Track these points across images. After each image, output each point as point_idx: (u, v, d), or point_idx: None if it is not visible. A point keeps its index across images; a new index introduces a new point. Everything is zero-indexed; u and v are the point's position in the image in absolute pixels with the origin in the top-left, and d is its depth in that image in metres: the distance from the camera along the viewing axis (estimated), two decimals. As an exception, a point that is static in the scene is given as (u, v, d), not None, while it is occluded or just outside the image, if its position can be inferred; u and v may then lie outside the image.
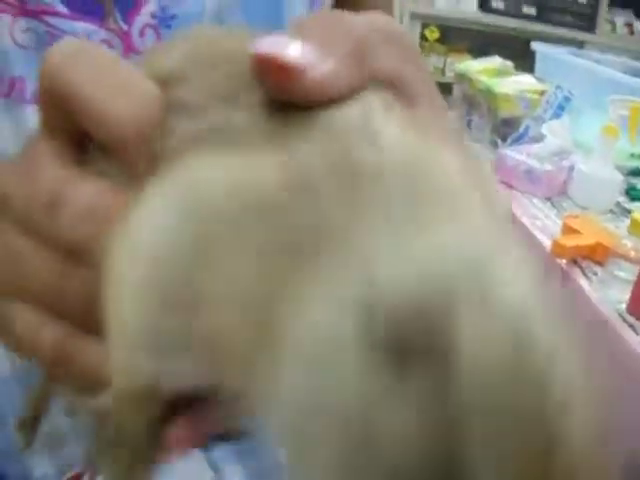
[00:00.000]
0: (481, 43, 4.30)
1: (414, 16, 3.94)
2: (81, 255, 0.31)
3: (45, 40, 0.56)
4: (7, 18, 0.55)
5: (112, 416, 0.33)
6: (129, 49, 0.59)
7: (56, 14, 0.55)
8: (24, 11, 0.55)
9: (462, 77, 2.28)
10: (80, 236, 0.31)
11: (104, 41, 0.58)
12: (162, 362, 0.31)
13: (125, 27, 0.59)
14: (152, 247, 0.29)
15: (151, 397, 0.33)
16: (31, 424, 0.46)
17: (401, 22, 3.92)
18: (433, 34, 4.09)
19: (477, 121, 2.13)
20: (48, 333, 0.33)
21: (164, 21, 0.60)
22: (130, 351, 0.31)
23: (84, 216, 0.31)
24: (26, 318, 0.34)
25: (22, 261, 0.33)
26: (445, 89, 2.90)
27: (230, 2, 0.62)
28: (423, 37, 4.08)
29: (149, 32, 0.60)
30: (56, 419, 0.67)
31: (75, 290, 0.32)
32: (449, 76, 3.65)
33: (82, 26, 0.57)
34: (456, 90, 2.34)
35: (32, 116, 0.58)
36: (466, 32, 4.22)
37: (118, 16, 0.58)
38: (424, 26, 4.06)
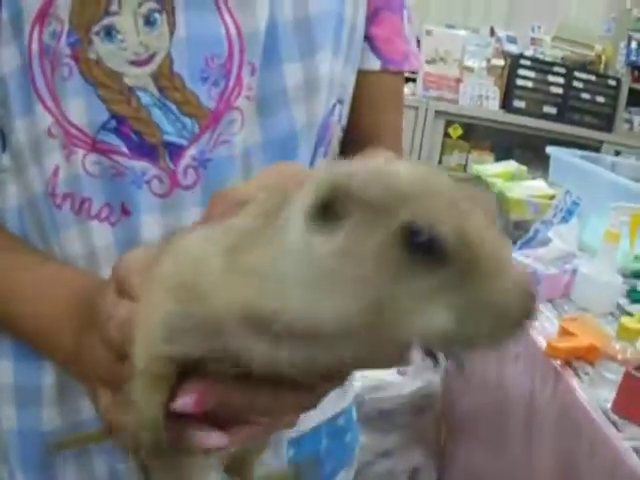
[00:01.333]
0: (503, 141, 4.44)
1: (438, 114, 4.08)
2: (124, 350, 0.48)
3: (109, 172, 0.71)
4: (81, 152, 0.70)
5: (133, 402, 0.47)
6: (174, 184, 0.73)
7: (120, 153, 0.70)
8: (95, 148, 0.70)
9: (478, 180, 2.40)
10: (119, 337, 0.49)
11: (155, 176, 0.72)
12: (175, 345, 0.45)
13: (172, 167, 0.72)
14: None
15: (164, 377, 0.46)
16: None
17: (425, 119, 4.06)
18: (456, 132, 4.22)
19: (490, 222, 2.24)
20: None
21: (202, 163, 0.74)
22: (152, 339, 0.46)
23: (121, 324, 0.49)
24: (104, 395, 0.53)
25: (99, 358, 0.52)
26: (466, 187, 3.00)
27: (254, 148, 0.75)
28: (447, 134, 4.23)
29: (190, 171, 0.73)
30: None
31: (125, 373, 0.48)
32: (471, 174, 3.76)
33: (139, 164, 0.71)
34: (472, 192, 2.46)
35: (95, 229, 0.72)
36: (488, 130, 4.36)
37: (167, 158, 0.72)
38: (448, 124, 4.20)
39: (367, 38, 0.89)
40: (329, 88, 0.80)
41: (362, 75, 0.89)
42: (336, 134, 0.87)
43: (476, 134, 4.42)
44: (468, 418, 1.98)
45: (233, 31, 0.71)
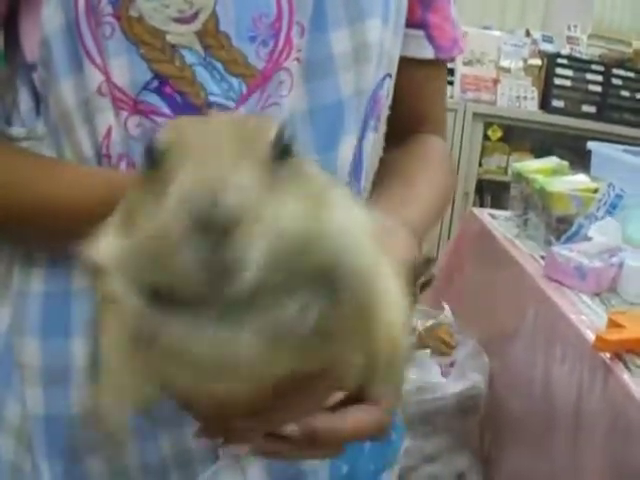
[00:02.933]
0: (543, 142, 4.36)
1: (477, 116, 4.03)
2: None
3: (150, 134, 0.67)
4: (124, 114, 0.68)
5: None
6: None
7: (162, 114, 0.67)
8: (136, 110, 0.67)
9: (519, 177, 2.36)
10: None
11: None
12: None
13: None
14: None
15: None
16: None
17: (464, 122, 4.02)
18: (495, 133, 4.17)
19: (533, 219, 2.20)
20: None
21: None
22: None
23: None
24: None
25: None
26: (507, 188, 2.97)
27: (300, 115, 0.72)
28: (486, 137, 4.17)
29: None
30: None
31: None
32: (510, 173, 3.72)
33: None
34: (513, 190, 2.42)
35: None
36: (528, 131, 4.30)
37: None
38: (487, 126, 4.14)
39: (422, 25, 0.87)
40: (378, 58, 0.77)
41: (414, 63, 0.88)
42: (385, 111, 0.84)
43: (515, 135, 4.36)
44: (514, 421, 1.93)
45: None
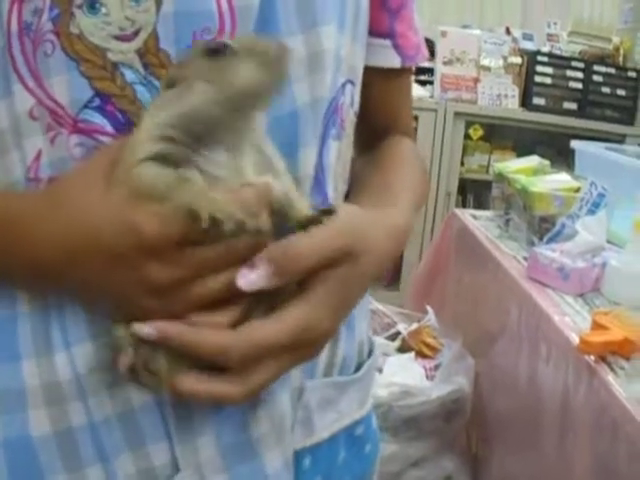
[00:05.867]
0: (524, 140, 4.37)
1: (458, 115, 4.02)
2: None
3: (93, 152, 0.67)
4: (66, 132, 0.65)
5: None
6: None
7: (105, 133, 0.66)
8: (77, 129, 0.65)
9: (500, 177, 2.35)
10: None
11: None
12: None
13: None
14: None
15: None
16: None
17: (445, 121, 4.01)
18: (477, 132, 4.16)
19: (515, 220, 2.20)
20: None
21: None
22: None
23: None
24: None
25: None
26: (489, 187, 2.97)
27: None
28: (467, 136, 4.16)
29: None
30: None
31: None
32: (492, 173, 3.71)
33: None
34: (495, 190, 2.41)
35: None
36: (509, 129, 4.30)
37: None
38: (468, 125, 4.12)
39: (389, 35, 0.88)
40: (335, 65, 0.76)
41: (382, 72, 0.88)
42: (349, 118, 0.82)
43: (497, 134, 4.36)
44: (500, 422, 1.92)
45: (224, 4, 0.67)
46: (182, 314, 0.60)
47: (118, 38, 0.65)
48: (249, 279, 0.59)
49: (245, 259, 0.60)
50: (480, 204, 4.06)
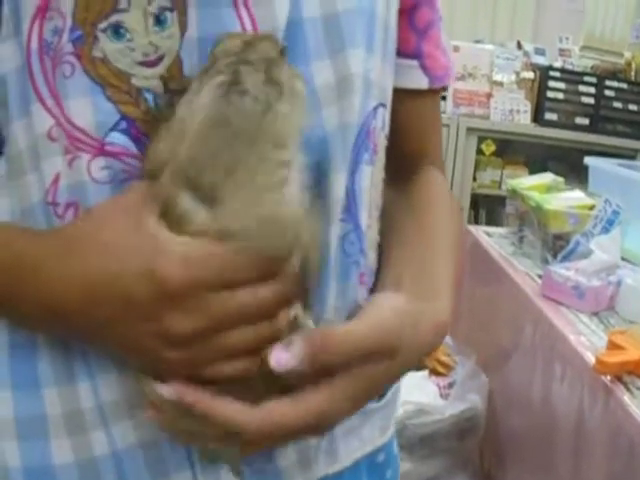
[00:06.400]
0: (537, 155, 4.39)
1: (470, 131, 4.03)
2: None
3: (120, 176, 0.65)
4: (86, 157, 0.64)
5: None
6: None
7: (132, 155, 0.64)
8: (104, 152, 0.64)
9: (514, 193, 2.34)
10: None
11: None
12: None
13: None
14: None
15: None
16: None
17: (457, 137, 4.01)
18: (489, 148, 4.16)
19: (529, 237, 2.19)
20: None
21: None
22: None
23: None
24: None
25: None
26: (501, 202, 2.96)
27: None
28: (479, 151, 4.17)
29: None
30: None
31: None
32: (505, 189, 3.70)
33: None
34: (508, 206, 2.41)
35: None
36: (521, 145, 4.31)
37: None
38: (480, 140, 4.14)
39: (417, 55, 0.86)
40: (365, 89, 0.74)
41: (409, 94, 0.86)
42: (381, 142, 0.81)
43: (509, 149, 4.36)
44: (513, 441, 1.91)
45: (249, 29, 0.65)
46: (207, 366, 0.58)
47: (142, 64, 0.64)
48: (281, 358, 0.56)
49: (272, 312, 0.59)
50: (492, 219, 4.05)
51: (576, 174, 3.35)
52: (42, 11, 0.63)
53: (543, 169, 3.87)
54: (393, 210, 0.85)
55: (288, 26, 0.67)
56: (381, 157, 0.81)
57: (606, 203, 2.02)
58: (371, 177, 0.78)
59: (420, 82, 0.87)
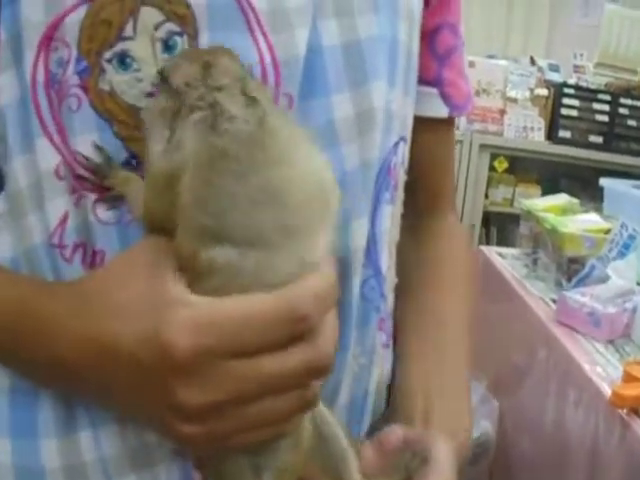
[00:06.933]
0: (549, 173, 4.35)
1: (483, 147, 4.00)
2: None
3: (127, 217, 0.60)
4: (92, 196, 0.60)
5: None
6: None
7: None
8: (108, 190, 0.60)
9: (528, 214, 2.32)
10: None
11: None
12: None
13: None
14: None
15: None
16: None
17: (470, 154, 3.98)
18: (502, 165, 4.13)
19: (543, 259, 2.17)
20: None
21: None
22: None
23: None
24: None
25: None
26: (513, 220, 2.93)
27: None
28: (492, 168, 4.13)
29: None
30: None
31: None
32: (517, 207, 3.67)
33: None
34: (523, 227, 2.38)
35: None
36: (534, 162, 4.28)
37: None
38: (493, 157, 4.10)
39: (437, 82, 0.82)
40: (386, 124, 0.70)
41: (425, 123, 0.82)
42: (402, 178, 0.78)
43: (521, 166, 4.33)
44: (524, 465, 1.89)
45: (267, 57, 0.61)
46: (228, 438, 0.54)
47: (151, 95, 0.60)
48: None
49: (303, 382, 0.54)
50: (503, 238, 4.03)
51: (589, 193, 3.32)
52: (47, 41, 0.59)
53: (555, 187, 3.86)
54: (411, 272, 0.83)
55: (307, 56, 0.63)
56: (400, 193, 0.78)
57: (622, 227, 1.99)
58: (391, 217, 0.75)
59: (439, 111, 0.83)
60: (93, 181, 0.61)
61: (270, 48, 0.62)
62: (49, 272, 0.62)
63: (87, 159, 0.60)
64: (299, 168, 0.53)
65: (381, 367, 0.78)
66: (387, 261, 0.75)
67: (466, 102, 0.86)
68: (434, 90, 0.83)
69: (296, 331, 0.51)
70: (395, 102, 0.72)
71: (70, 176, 0.61)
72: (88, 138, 0.60)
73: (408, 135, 0.78)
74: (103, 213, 0.61)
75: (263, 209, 0.50)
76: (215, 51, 0.56)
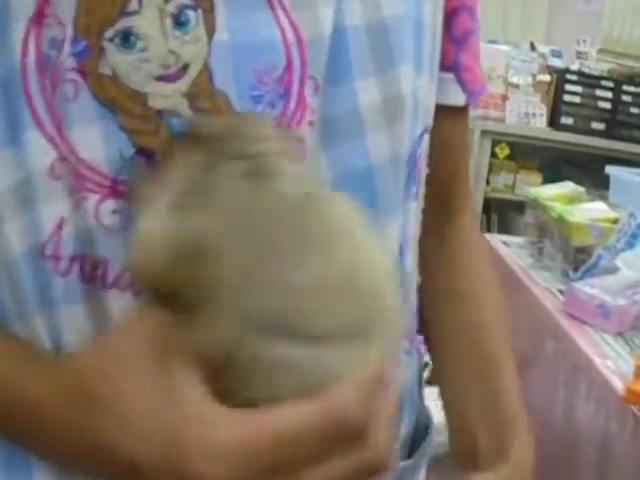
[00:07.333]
0: (551, 159, 4.33)
1: (485, 134, 3.96)
2: None
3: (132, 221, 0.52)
4: (93, 198, 0.52)
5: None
6: None
7: None
8: (116, 192, 0.53)
9: (534, 203, 2.29)
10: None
11: None
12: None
13: None
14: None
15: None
16: None
17: (472, 140, 3.95)
18: (503, 151, 4.10)
19: (549, 249, 2.14)
20: None
21: None
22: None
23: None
24: None
25: None
26: (514, 207, 2.91)
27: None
28: (493, 154, 4.10)
29: None
30: None
31: None
32: (519, 194, 3.65)
33: None
34: (528, 216, 2.35)
35: (112, 302, 0.53)
36: (535, 149, 4.26)
37: None
38: (494, 143, 4.07)
39: (454, 67, 0.75)
40: (414, 112, 0.64)
41: (441, 111, 0.74)
42: (424, 170, 0.72)
43: (523, 153, 4.30)
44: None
45: (290, 35, 0.55)
46: None
47: (160, 78, 0.53)
48: None
49: None
50: (504, 224, 4.00)
51: (591, 180, 3.29)
52: (38, 17, 0.51)
53: (557, 174, 3.83)
54: (441, 281, 0.79)
55: (332, 35, 0.57)
56: (422, 188, 0.73)
57: (631, 217, 1.96)
58: (416, 214, 0.71)
59: (457, 98, 0.77)
60: (96, 180, 0.53)
61: (293, 26, 0.56)
62: (34, 289, 0.54)
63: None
64: (366, 251, 0.47)
65: (402, 372, 0.74)
66: (412, 260, 0.71)
67: (481, 88, 0.80)
68: (451, 76, 0.76)
69: (345, 441, 0.46)
70: (422, 89, 0.66)
71: (68, 175, 0.53)
72: (88, 131, 0.52)
73: (431, 125, 0.72)
74: (107, 217, 0.53)
75: (332, 297, 0.44)
76: (247, 113, 0.52)
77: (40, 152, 0.52)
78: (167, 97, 0.53)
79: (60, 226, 0.53)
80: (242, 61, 0.54)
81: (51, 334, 0.54)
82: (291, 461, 0.44)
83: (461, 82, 0.76)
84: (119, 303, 0.54)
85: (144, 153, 0.53)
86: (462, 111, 0.80)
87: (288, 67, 0.55)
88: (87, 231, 0.53)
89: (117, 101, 0.52)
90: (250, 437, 0.44)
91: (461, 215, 0.83)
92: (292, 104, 0.56)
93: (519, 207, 2.88)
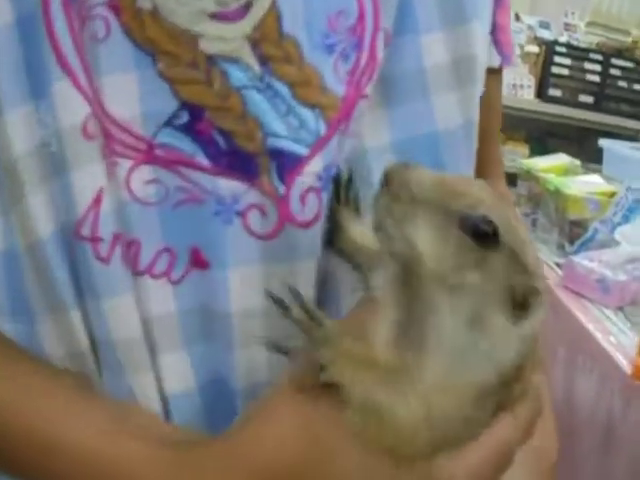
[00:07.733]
0: (538, 131, 4.30)
1: (472, 104, 3.93)
2: None
3: (175, 196, 0.45)
4: (126, 164, 0.44)
5: None
6: (285, 217, 0.46)
7: (195, 166, 0.44)
8: (152, 158, 0.44)
9: (528, 174, 2.25)
10: None
11: (254, 206, 0.46)
12: None
13: (282, 190, 0.46)
14: None
15: None
16: None
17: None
18: (491, 122, 4.07)
19: (543, 221, 2.11)
20: None
21: (328, 184, 0.47)
22: None
23: None
24: None
25: None
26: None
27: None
28: (481, 125, 4.03)
29: (311, 197, 0.47)
30: None
31: None
32: (507, 165, 3.61)
33: (228, 185, 0.45)
34: (521, 187, 2.32)
35: (150, 291, 0.46)
36: (523, 120, 4.21)
37: (274, 176, 0.46)
38: (482, 114, 4.01)
39: (492, 27, 0.69)
40: (481, 74, 0.59)
41: None
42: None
43: (510, 124, 4.26)
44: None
45: None
46: None
47: (216, 17, 0.44)
48: None
49: None
50: (492, 196, 3.98)
51: (577, 152, 3.26)
52: None
53: (544, 146, 3.80)
54: None
55: None
56: None
57: (628, 190, 1.94)
58: None
59: (493, 60, 0.70)
60: (128, 143, 0.44)
61: None
62: (68, 278, 0.44)
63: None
64: None
65: None
66: None
67: (512, 52, 0.75)
68: (489, 36, 0.71)
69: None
70: (485, 48, 0.61)
71: (100, 135, 0.44)
72: (120, 80, 0.44)
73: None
74: (140, 188, 0.45)
75: None
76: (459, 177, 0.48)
77: (69, 105, 0.43)
78: (224, 40, 0.45)
79: (98, 200, 0.43)
80: (314, 3, 0.47)
81: (90, 331, 0.46)
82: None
83: (497, 43, 0.71)
84: (151, 293, 0.46)
85: (189, 109, 0.45)
86: (496, 73, 0.74)
87: (361, 15, 0.49)
88: (120, 205, 0.45)
89: (158, 43, 0.44)
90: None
91: (497, 184, 0.79)
92: (364, 57, 0.50)
93: (507, 178, 2.83)
